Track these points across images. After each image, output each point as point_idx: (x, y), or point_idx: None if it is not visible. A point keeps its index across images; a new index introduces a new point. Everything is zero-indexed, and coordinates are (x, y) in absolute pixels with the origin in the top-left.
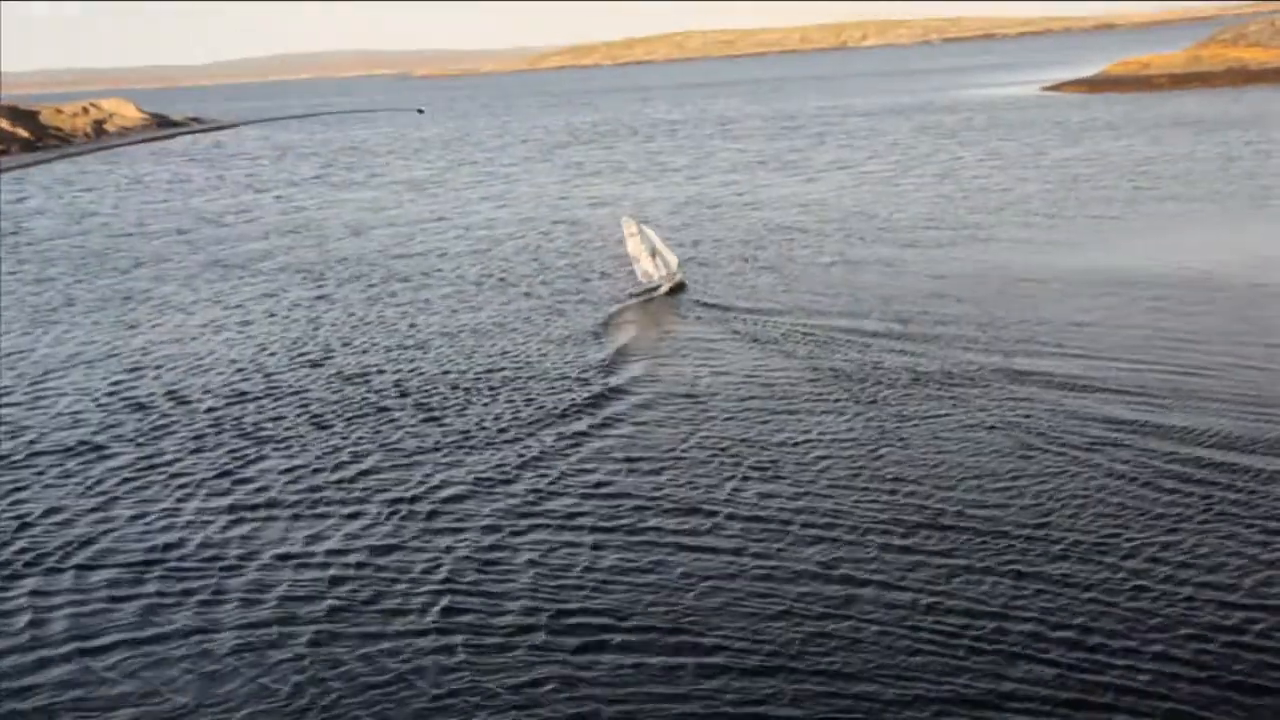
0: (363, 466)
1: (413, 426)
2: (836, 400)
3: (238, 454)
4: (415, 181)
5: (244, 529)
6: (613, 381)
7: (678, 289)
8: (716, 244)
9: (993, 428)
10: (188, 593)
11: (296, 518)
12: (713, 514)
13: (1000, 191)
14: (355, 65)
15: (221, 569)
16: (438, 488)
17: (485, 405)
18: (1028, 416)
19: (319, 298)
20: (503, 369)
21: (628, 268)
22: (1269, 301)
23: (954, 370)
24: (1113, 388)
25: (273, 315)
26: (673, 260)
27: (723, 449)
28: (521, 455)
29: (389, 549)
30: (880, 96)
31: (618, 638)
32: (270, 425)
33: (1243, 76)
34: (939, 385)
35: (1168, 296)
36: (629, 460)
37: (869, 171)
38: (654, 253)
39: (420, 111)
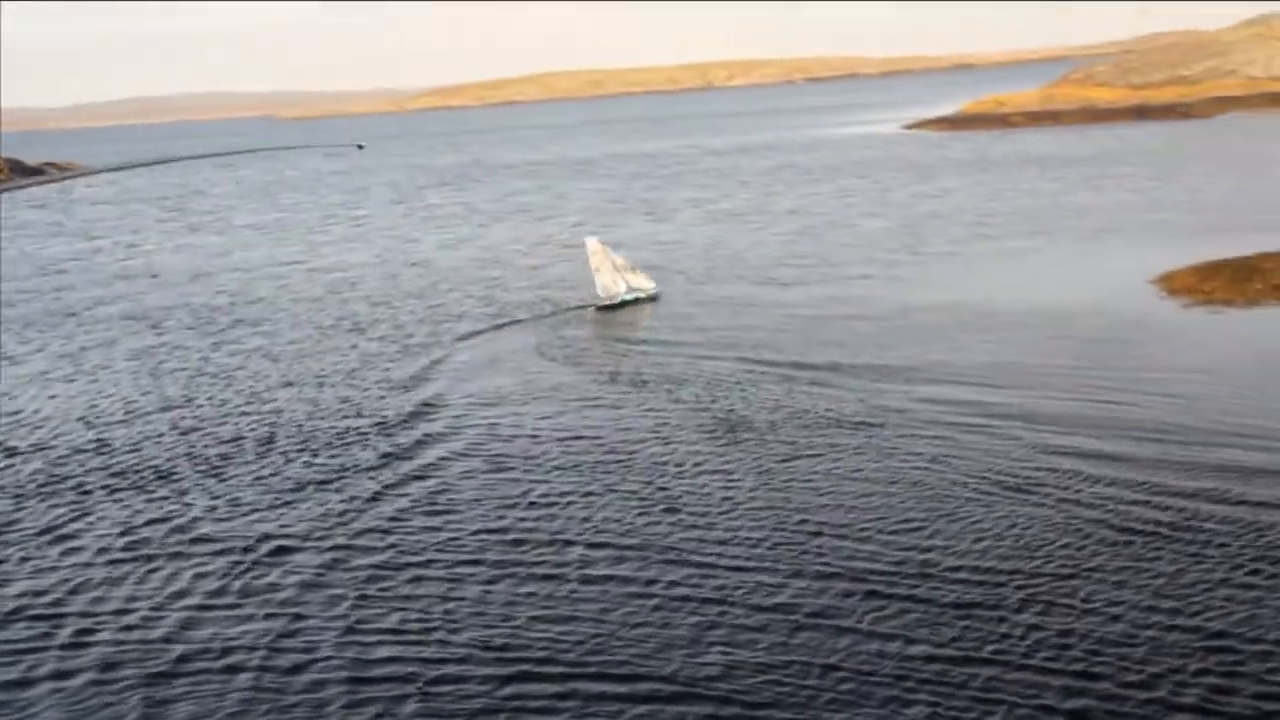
0: (193, 519)
1: (247, 478)
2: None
3: (65, 509)
4: (265, 225)
5: (70, 583)
6: (450, 429)
7: (650, 300)
8: (564, 284)
9: (862, 453)
10: (7, 645)
11: (124, 572)
12: (564, 546)
13: (847, 228)
14: (217, 107)
15: (48, 623)
16: (268, 538)
17: (323, 455)
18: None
19: (158, 346)
20: (341, 417)
21: (501, 299)
22: (1107, 332)
23: (813, 406)
24: (984, 414)
25: (108, 366)
26: (636, 279)
27: (569, 494)
28: (352, 501)
29: (218, 601)
30: (741, 136)
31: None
32: (100, 479)
33: (1092, 114)
34: (801, 421)
35: (1012, 328)
36: (452, 508)
37: (721, 210)
38: (615, 269)
39: (360, 147)
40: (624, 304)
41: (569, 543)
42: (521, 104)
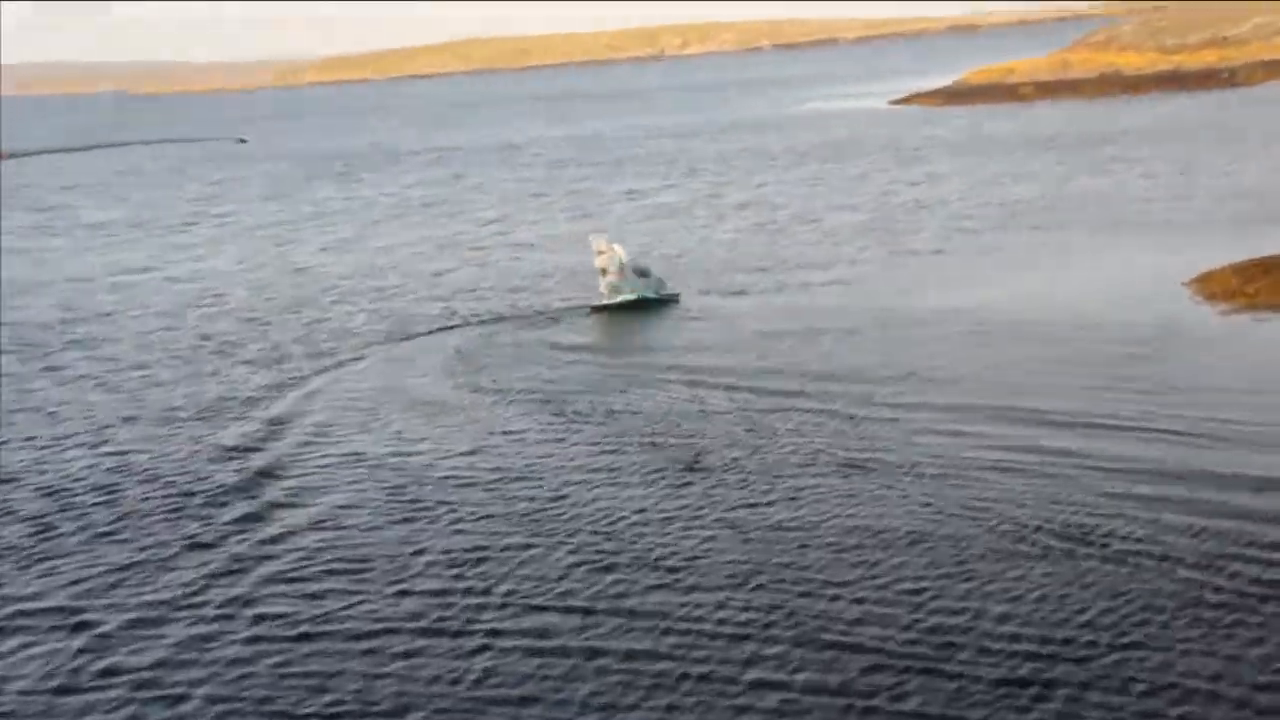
0: (25, 589)
1: (71, 541)
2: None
3: None
4: (112, 225)
5: None
6: (334, 473)
7: (669, 300)
8: (475, 293)
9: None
10: None
11: None
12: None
13: (811, 224)
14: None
15: None
16: (105, 616)
17: (175, 511)
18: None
19: None
20: (198, 462)
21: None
22: (1135, 345)
23: (786, 439)
24: (998, 448)
25: None
26: (644, 280)
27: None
28: (207, 567)
29: (54, 677)
30: (693, 114)
31: None
32: None
33: (1116, 84)
34: (771, 457)
35: (1019, 343)
36: (342, 569)
37: (663, 204)
38: (621, 269)
39: (243, 141)
40: (622, 305)
41: (482, 606)
42: (435, 77)
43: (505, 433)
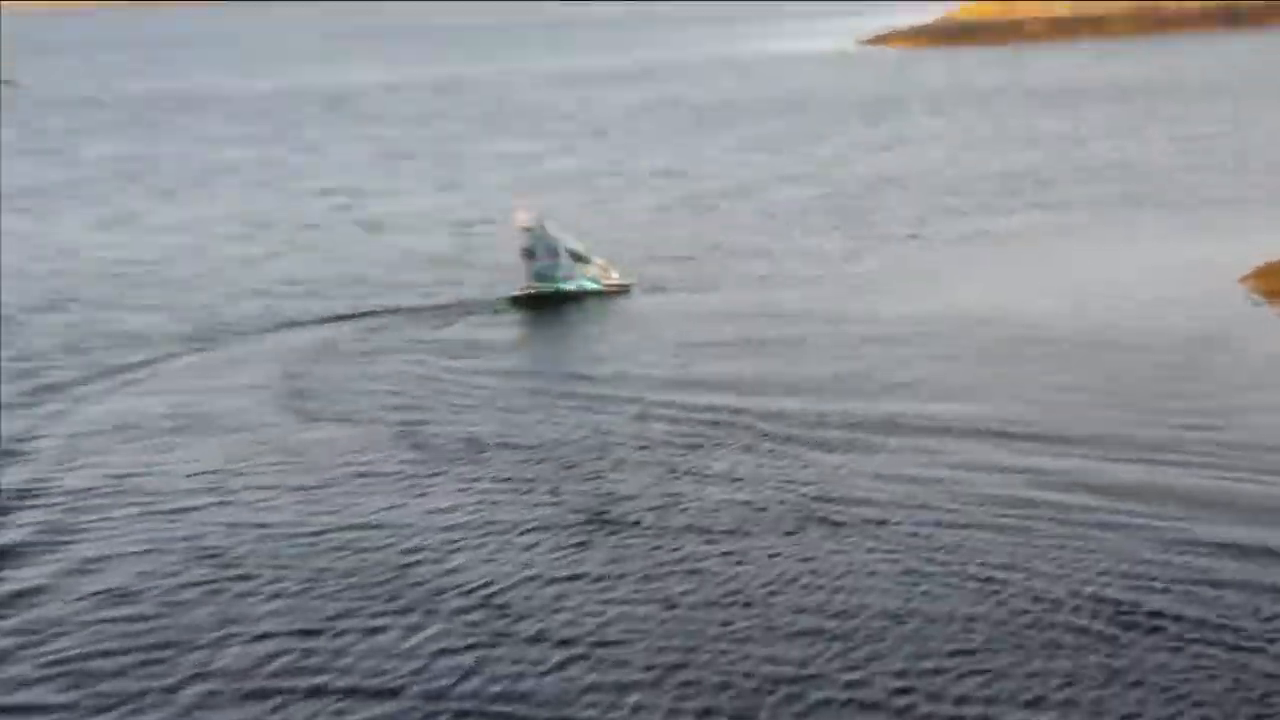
0: None
1: None
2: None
3: None
4: None
5: None
6: (108, 518)
7: (619, 291)
8: (306, 288)
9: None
10: None
11: None
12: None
13: (749, 199)
14: None
15: None
16: None
17: None
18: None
19: None
20: None
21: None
22: (1184, 356)
23: (732, 479)
24: (1024, 487)
25: None
26: (589, 269)
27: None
28: None
29: None
30: (603, 55)
31: None
32: None
33: (1152, 21)
34: (713, 505)
35: (1033, 349)
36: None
37: (557, 172)
38: (553, 250)
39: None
40: (546, 296)
41: (315, 710)
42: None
43: (350, 471)
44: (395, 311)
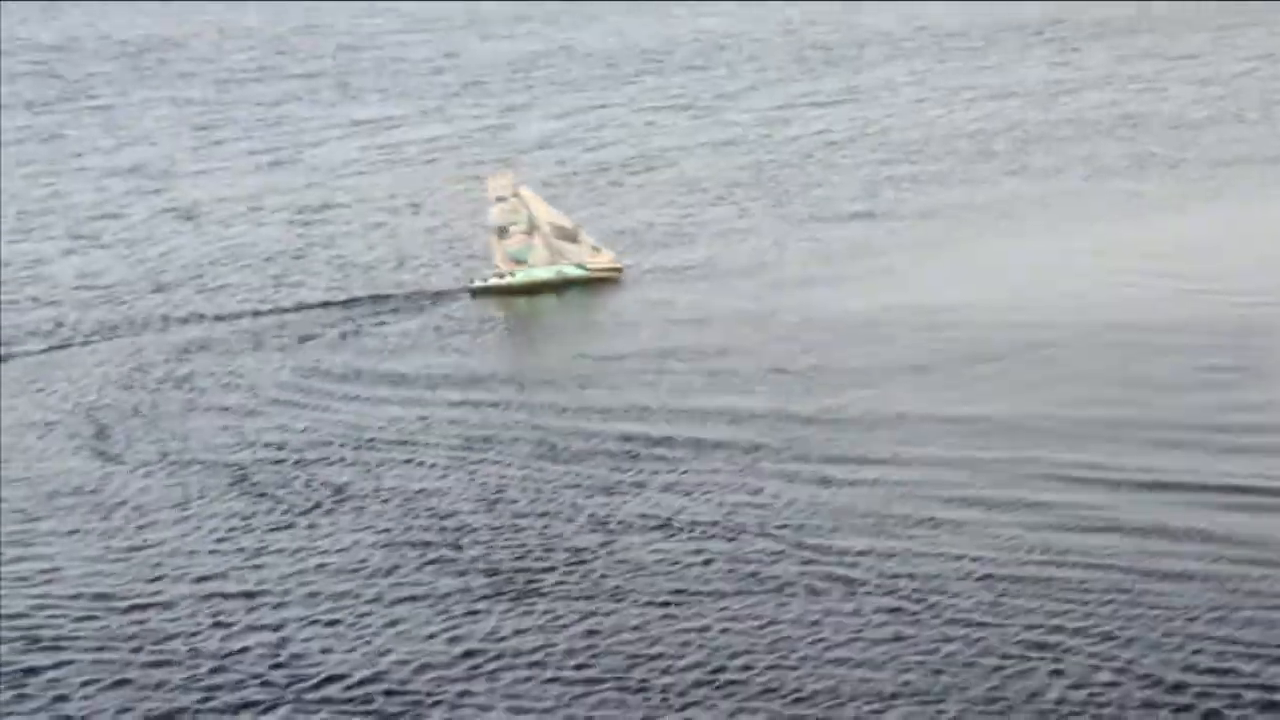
0: None
1: None
2: None
3: None
4: None
5: None
6: None
7: (604, 280)
8: (107, 293)
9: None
10: None
11: None
12: None
13: (655, 172)
14: None
15: None
16: None
17: None
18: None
19: None
20: None
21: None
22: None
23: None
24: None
25: None
26: (574, 249)
27: None
28: None
29: None
30: None
31: None
32: None
33: None
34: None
35: (1033, 354)
36: None
37: (415, 142)
38: (531, 229)
39: None
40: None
41: None
42: None
43: (174, 525)
44: (222, 320)
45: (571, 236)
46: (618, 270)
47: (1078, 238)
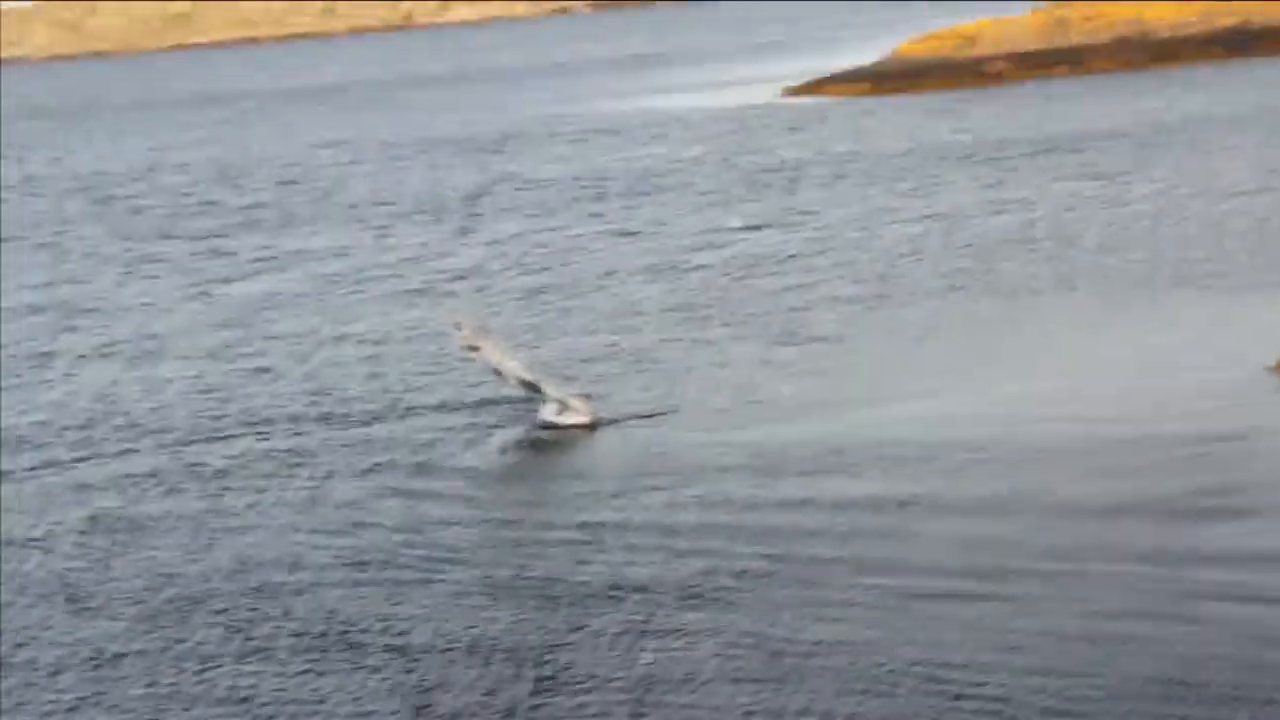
0: None
1: None
2: None
3: None
4: None
5: None
6: None
7: (581, 431)
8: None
9: None
10: None
11: None
12: None
13: (591, 292)
14: None
15: None
16: None
17: None
18: None
19: None
20: None
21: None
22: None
23: None
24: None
25: None
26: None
27: None
28: None
29: None
30: (476, 116)
31: None
32: None
33: (1143, 51)
34: None
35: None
36: None
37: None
38: (500, 375)
39: None
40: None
41: None
42: None
43: None
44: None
45: (535, 389)
46: (593, 425)
47: (1086, 349)
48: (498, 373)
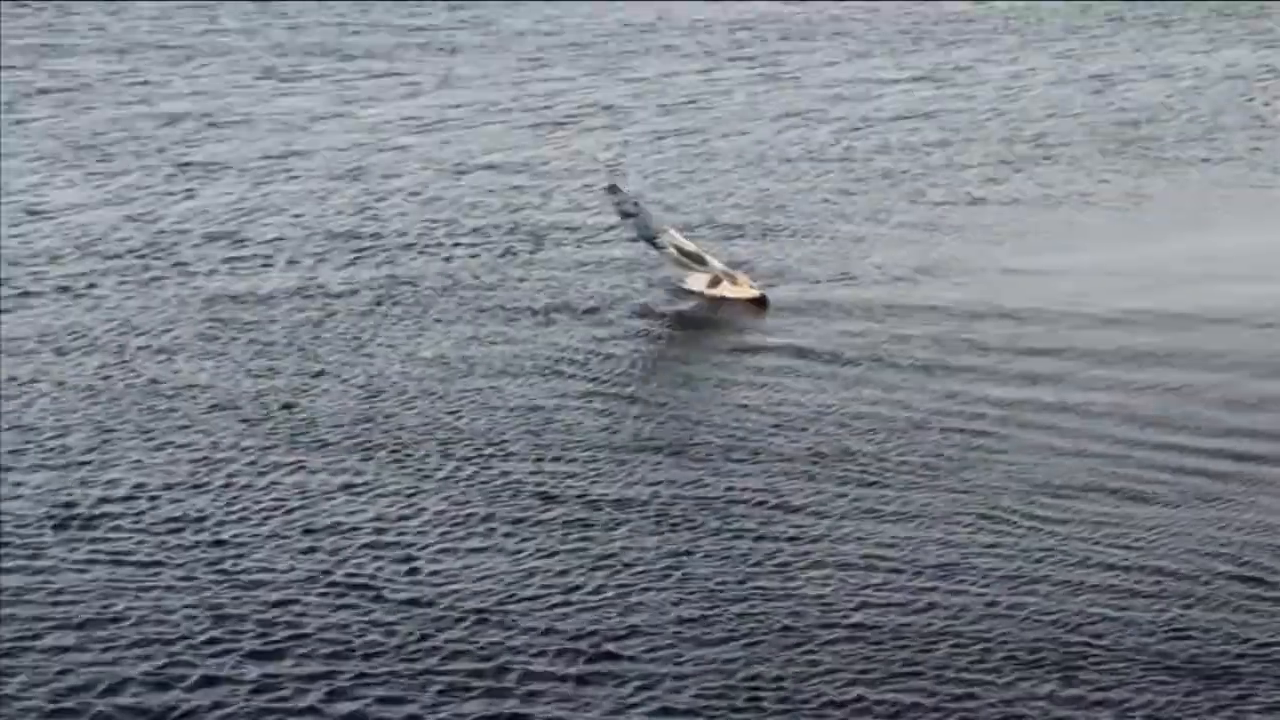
0: None
1: None
2: None
3: None
4: None
5: None
6: None
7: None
8: None
9: None
10: None
11: None
12: None
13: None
14: None
15: None
16: None
17: None
18: None
19: None
20: None
21: None
22: None
23: None
24: None
25: None
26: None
27: None
28: None
29: None
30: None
31: None
32: None
33: None
34: None
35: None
36: None
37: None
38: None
39: None
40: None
41: None
42: None
43: None
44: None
45: (700, 260)
46: (759, 301)
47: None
48: (652, 241)
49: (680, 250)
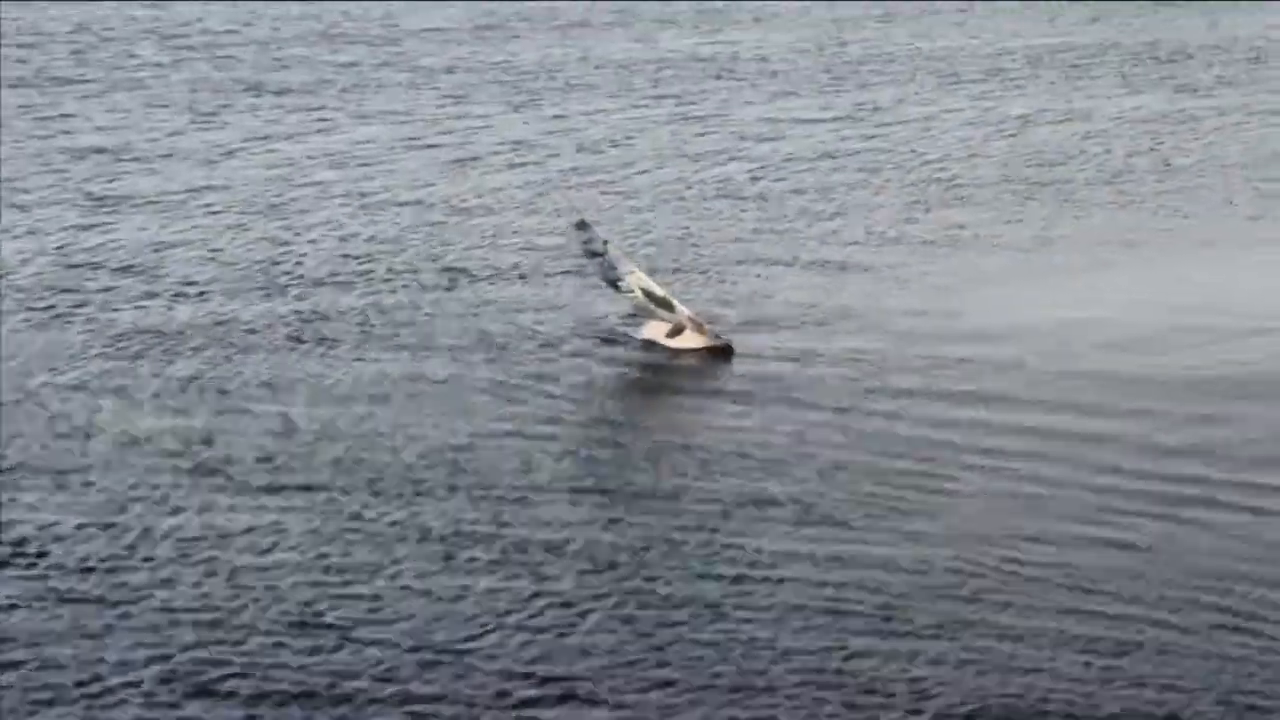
0: None
1: None
2: None
3: None
4: None
5: None
6: None
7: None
8: None
9: None
10: None
11: None
12: None
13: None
14: None
15: None
16: None
17: None
18: None
19: None
20: None
21: None
22: None
23: None
24: None
25: None
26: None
27: None
28: None
29: None
30: None
31: None
32: None
33: None
34: None
35: None
36: None
37: None
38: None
39: None
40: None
41: None
42: None
43: None
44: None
45: (667, 304)
46: (723, 351)
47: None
48: (615, 284)
49: (647, 294)
